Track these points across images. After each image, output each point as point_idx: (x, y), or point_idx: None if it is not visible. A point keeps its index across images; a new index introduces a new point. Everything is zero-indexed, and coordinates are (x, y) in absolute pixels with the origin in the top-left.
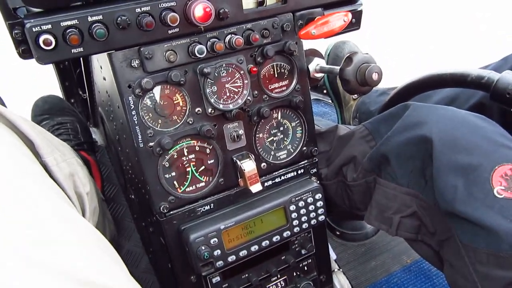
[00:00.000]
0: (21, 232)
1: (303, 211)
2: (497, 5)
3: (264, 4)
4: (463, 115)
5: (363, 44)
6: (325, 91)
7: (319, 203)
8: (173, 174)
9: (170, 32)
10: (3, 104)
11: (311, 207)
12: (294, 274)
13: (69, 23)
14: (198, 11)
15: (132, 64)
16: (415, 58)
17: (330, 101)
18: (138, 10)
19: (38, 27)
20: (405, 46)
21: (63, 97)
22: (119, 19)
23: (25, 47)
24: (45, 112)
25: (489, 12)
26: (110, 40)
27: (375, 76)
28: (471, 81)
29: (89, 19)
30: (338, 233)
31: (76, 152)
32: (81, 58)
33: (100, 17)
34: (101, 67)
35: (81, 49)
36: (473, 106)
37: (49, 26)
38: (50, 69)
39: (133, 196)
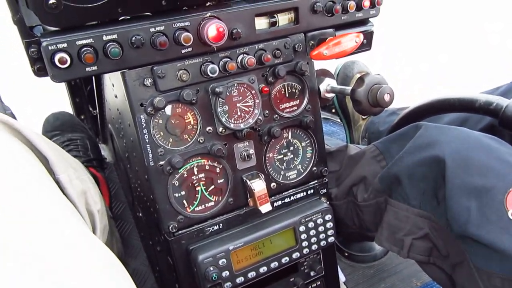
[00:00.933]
0: (36, 250)
1: (312, 232)
2: (505, 16)
3: (277, 25)
4: (476, 136)
5: (376, 58)
6: (334, 110)
7: (329, 224)
8: (183, 193)
9: (183, 51)
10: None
11: (321, 228)
12: None
13: (84, 42)
14: (211, 31)
15: (145, 83)
16: (427, 71)
17: (339, 120)
18: (152, 29)
19: (54, 46)
20: (415, 58)
21: (74, 113)
22: (133, 38)
23: (41, 65)
24: (56, 128)
25: (499, 22)
26: (124, 59)
27: (387, 97)
28: (479, 107)
29: (104, 38)
30: (346, 254)
31: (86, 168)
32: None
33: (115, 36)
34: (113, 85)
35: (95, 68)
36: (485, 128)
37: (65, 45)
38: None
39: (140, 214)
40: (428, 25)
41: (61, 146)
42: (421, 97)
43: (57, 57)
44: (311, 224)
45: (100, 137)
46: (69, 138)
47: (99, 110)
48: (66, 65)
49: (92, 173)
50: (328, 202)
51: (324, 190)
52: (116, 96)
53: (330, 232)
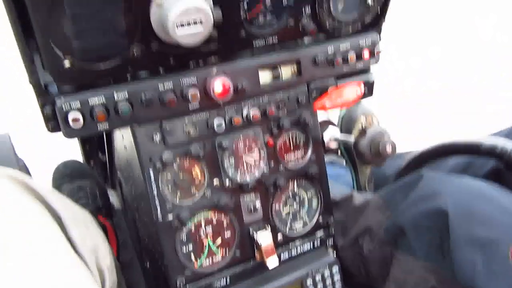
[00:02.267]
0: None
1: (320, 285)
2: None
3: (280, 78)
4: (478, 185)
5: None
6: (339, 154)
7: (336, 277)
8: (190, 247)
9: (190, 107)
10: (28, 173)
11: (328, 281)
12: None
13: (97, 101)
14: (217, 87)
15: (154, 138)
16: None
17: (344, 163)
18: (161, 87)
19: (68, 106)
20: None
21: (83, 159)
22: (143, 96)
23: (54, 122)
24: (65, 175)
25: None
26: (134, 115)
27: (389, 149)
28: (484, 150)
29: (116, 97)
30: None
31: (95, 217)
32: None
33: (126, 95)
34: (122, 136)
35: (106, 125)
36: (490, 171)
37: (78, 105)
38: None
39: (148, 265)
40: (419, 19)
41: (71, 193)
42: (413, 94)
43: (70, 116)
44: (318, 278)
45: (108, 182)
46: (79, 186)
47: (109, 157)
48: (79, 124)
49: (100, 222)
50: (335, 254)
51: (331, 242)
52: (125, 147)
53: (337, 286)
